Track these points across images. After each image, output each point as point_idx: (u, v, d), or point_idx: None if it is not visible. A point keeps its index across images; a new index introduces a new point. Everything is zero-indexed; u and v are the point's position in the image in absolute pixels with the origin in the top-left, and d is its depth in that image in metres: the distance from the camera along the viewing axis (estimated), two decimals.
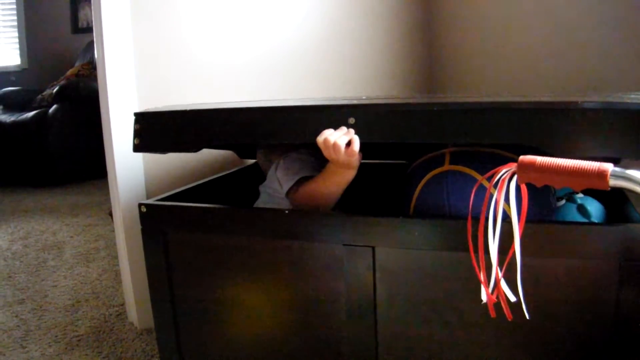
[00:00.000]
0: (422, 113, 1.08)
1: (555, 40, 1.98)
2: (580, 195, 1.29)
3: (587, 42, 1.87)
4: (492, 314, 0.89)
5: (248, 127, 1.22)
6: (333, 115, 1.13)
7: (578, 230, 1.00)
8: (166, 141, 1.31)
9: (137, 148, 1.32)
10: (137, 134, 1.32)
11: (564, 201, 1.27)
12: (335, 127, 1.11)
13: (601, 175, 0.72)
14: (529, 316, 0.91)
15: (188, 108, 1.29)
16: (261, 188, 1.50)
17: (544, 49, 2.02)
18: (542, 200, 1.13)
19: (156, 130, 1.31)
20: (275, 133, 1.20)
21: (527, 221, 0.89)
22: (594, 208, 1.25)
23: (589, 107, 0.96)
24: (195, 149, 1.29)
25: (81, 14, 5.50)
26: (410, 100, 1.26)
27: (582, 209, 1.24)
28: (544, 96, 1.17)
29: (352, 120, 1.11)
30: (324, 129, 1.11)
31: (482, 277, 0.89)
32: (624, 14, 1.78)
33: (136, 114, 1.32)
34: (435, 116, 1.06)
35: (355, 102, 1.18)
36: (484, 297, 0.91)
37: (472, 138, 1.03)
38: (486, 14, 2.25)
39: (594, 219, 1.22)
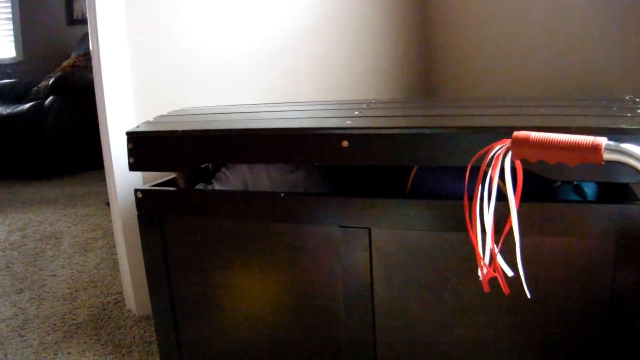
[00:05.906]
0: (412, 136, 1.07)
1: (554, 39, 1.95)
2: None
3: (587, 42, 1.85)
4: (486, 288, 0.88)
5: (239, 149, 1.22)
6: (326, 139, 1.13)
7: (574, 209, 1.00)
8: (160, 161, 1.31)
9: (132, 167, 1.32)
10: (130, 153, 1.31)
11: (559, 182, 1.27)
12: (328, 150, 1.12)
13: (595, 149, 0.71)
14: (530, 294, 0.91)
15: (179, 128, 1.27)
16: None
17: (542, 49, 2.00)
18: (537, 179, 1.13)
19: (149, 150, 1.31)
20: (269, 155, 1.19)
21: (523, 200, 0.89)
22: (590, 189, 1.25)
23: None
24: (189, 168, 1.30)
25: (76, 6, 5.47)
26: (401, 123, 1.25)
27: (578, 189, 1.23)
28: (540, 110, 1.17)
29: (345, 144, 1.11)
30: (318, 152, 1.13)
31: (478, 250, 0.88)
32: (627, 12, 1.75)
33: (128, 133, 1.31)
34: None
35: (349, 122, 1.17)
36: (480, 272, 0.90)
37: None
38: (483, 13, 2.23)
39: (590, 200, 1.22)
